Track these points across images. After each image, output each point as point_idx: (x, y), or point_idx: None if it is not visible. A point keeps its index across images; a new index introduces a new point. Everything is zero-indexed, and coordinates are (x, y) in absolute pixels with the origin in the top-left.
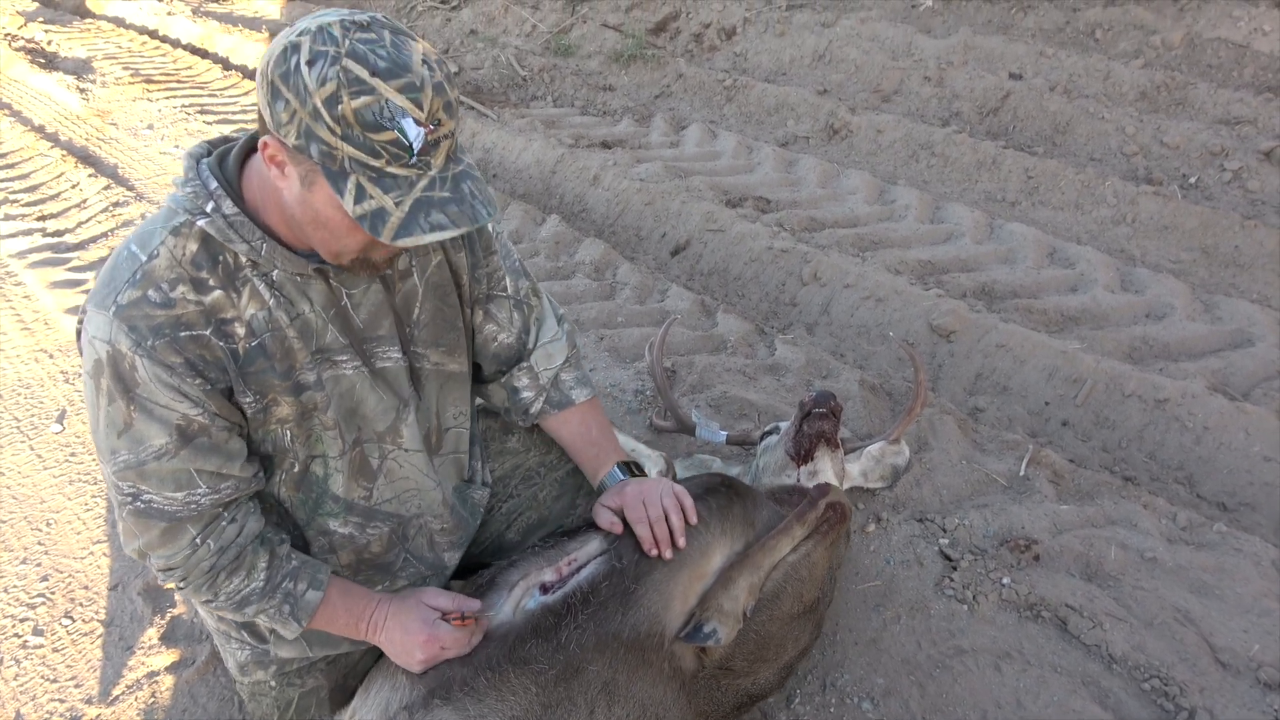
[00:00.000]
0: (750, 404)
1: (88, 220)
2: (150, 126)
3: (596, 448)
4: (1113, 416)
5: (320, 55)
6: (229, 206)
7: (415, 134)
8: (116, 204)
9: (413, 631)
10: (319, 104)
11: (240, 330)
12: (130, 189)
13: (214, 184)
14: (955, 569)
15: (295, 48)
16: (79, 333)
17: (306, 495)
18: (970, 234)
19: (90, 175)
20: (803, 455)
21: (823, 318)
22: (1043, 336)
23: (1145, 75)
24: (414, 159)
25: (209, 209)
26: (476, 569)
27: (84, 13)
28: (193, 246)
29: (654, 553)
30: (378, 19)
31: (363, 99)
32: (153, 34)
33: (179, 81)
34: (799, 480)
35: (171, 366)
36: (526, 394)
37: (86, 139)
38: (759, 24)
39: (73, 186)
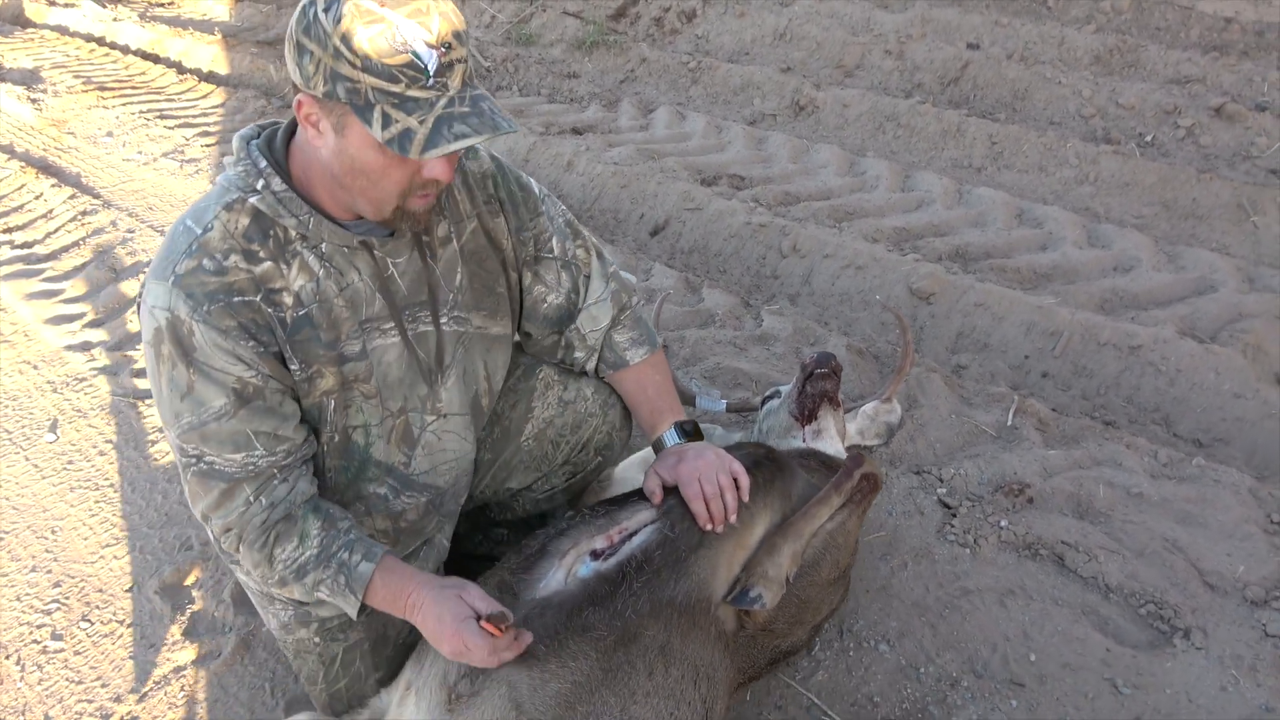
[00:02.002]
0: (744, 373)
1: (56, 230)
2: (110, 134)
3: (651, 406)
4: (1090, 365)
5: (334, 1)
6: (278, 184)
7: (429, 55)
8: (85, 213)
9: (445, 623)
10: (338, 43)
11: (288, 300)
12: (97, 197)
13: (263, 163)
14: (955, 516)
15: (312, 2)
16: (138, 306)
17: (348, 463)
18: (941, 200)
19: (53, 185)
20: (807, 415)
21: (805, 288)
22: (1018, 294)
23: (1098, 40)
24: (430, 80)
25: (259, 186)
26: (481, 510)
27: (24, 22)
28: (245, 221)
29: (708, 528)
30: None
31: (375, 28)
32: (99, 41)
33: (133, 88)
34: (805, 440)
35: (226, 330)
36: (579, 354)
37: (45, 149)
38: (718, 5)
39: (36, 198)
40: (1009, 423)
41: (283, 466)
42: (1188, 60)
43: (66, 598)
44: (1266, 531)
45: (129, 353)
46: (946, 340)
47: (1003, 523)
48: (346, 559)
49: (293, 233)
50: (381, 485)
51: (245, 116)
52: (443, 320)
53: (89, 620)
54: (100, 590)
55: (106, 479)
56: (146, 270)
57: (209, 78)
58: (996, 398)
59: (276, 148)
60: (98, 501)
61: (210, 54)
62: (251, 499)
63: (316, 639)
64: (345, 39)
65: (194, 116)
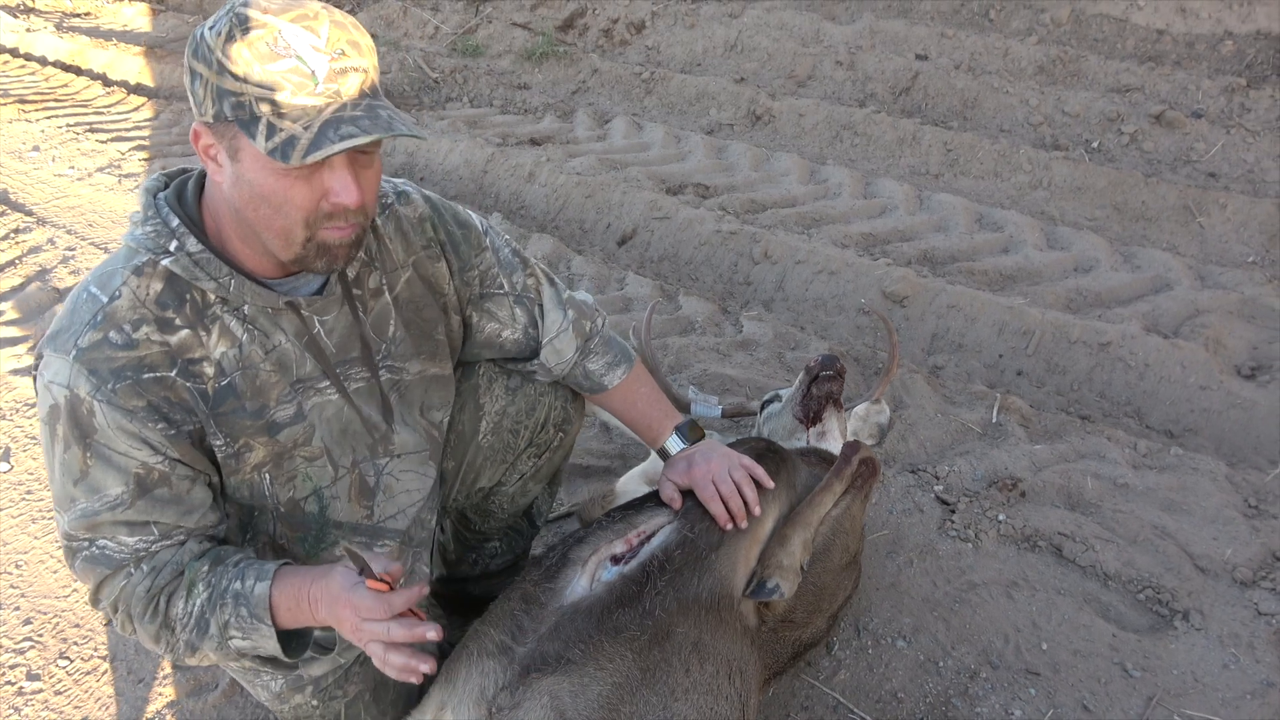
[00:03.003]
0: (731, 379)
1: None
2: (36, 148)
3: (647, 419)
4: (1062, 362)
5: (219, 17)
6: (193, 244)
7: (317, 60)
8: (17, 230)
9: (335, 598)
10: (220, 55)
11: (209, 370)
12: (29, 214)
13: (175, 221)
14: (954, 512)
15: (201, 23)
16: (34, 378)
17: (305, 533)
18: (903, 206)
19: None
20: (812, 417)
21: (778, 294)
22: (989, 295)
23: (1040, 51)
24: (320, 85)
25: (173, 248)
26: (463, 525)
27: None
28: (157, 286)
29: (729, 527)
30: None
31: (256, 32)
32: (13, 52)
33: (56, 100)
34: (809, 442)
35: (133, 411)
36: (541, 380)
37: None
38: (667, 17)
39: None
40: (994, 419)
41: (178, 545)
42: (1126, 70)
43: (40, 635)
44: (1246, 515)
45: None
46: (922, 342)
47: (1000, 516)
48: (240, 588)
49: (211, 296)
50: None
51: (182, 129)
52: (381, 373)
53: (67, 657)
54: (76, 626)
55: None
56: (42, 336)
57: (138, 90)
58: (979, 395)
59: (188, 202)
60: None
61: (138, 65)
62: (132, 570)
63: (314, 702)
64: (226, 50)
65: (127, 130)
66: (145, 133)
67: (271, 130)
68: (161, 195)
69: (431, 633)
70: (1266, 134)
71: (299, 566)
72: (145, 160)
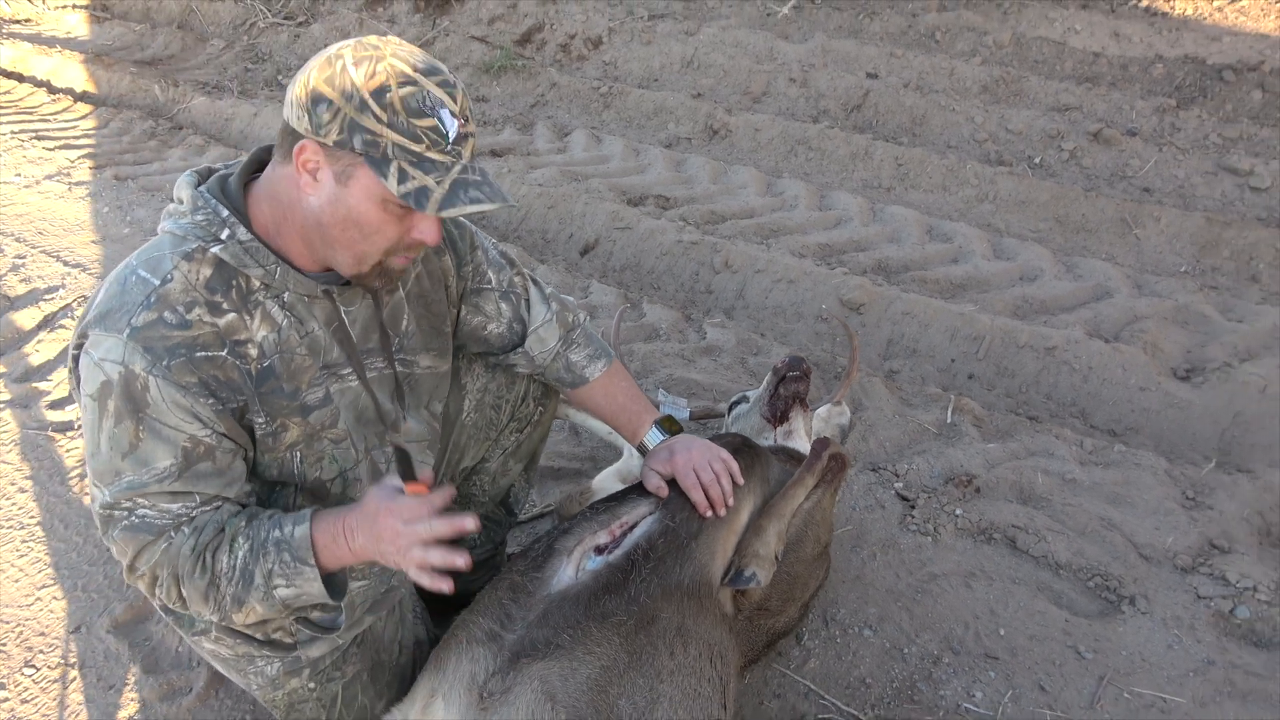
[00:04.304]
0: (696, 383)
1: None
2: None
3: (627, 413)
4: (1011, 366)
5: (365, 58)
6: (243, 233)
7: (451, 124)
8: None
9: (372, 512)
10: (366, 96)
11: (253, 351)
12: None
13: (224, 212)
14: (913, 507)
15: (338, 56)
16: (76, 358)
17: None
18: (857, 218)
19: None
20: (779, 416)
21: (739, 302)
22: (941, 303)
23: (984, 71)
24: (449, 146)
25: (224, 236)
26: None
27: None
28: (206, 271)
29: (709, 514)
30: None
31: (408, 89)
32: None
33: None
34: (776, 441)
35: (186, 386)
36: (521, 370)
37: None
38: (624, 33)
39: None
40: (949, 420)
41: (214, 509)
42: (1065, 90)
43: (2, 644)
44: (1184, 506)
45: (37, 385)
46: (878, 347)
47: (957, 511)
48: (280, 535)
49: (256, 282)
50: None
51: (133, 138)
52: (396, 363)
53: (33, 665)
54: (42, 634)
55: (32, 516)
56: (84, 318)
57: (84, 97)
58: (933, 398)
59: (232, 194)
60: (25, 541)
61: (84, 73)
62: (173, 534)
63: (311, 684)
64: (376, 94)
65: (75, 138)
66: (94, 140)
67: (404, 176)
68: (203, 188)
69: (470, 522)
70: (1195, 151)
71: (329, 510)
72: (97, 169)
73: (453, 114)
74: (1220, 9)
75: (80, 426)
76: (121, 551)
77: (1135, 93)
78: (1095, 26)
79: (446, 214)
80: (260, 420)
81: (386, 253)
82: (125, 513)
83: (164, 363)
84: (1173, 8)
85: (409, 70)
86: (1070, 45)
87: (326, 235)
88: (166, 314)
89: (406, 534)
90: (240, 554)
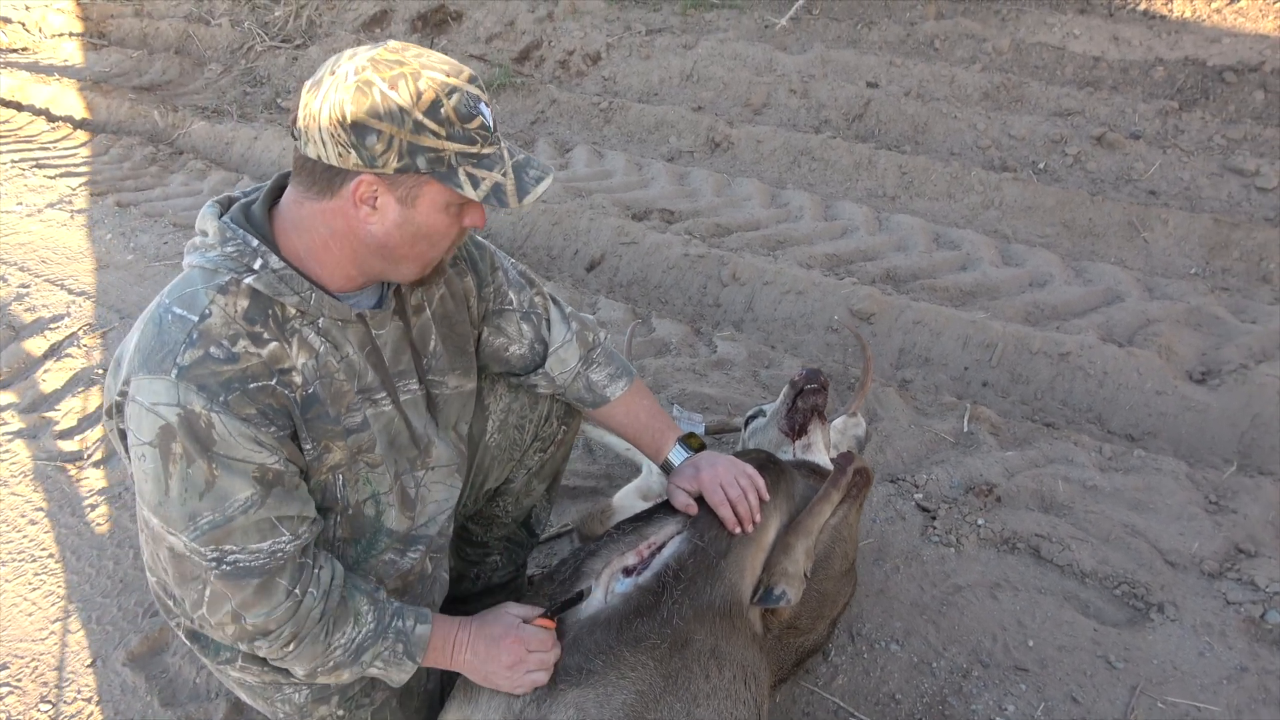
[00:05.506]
0: (710, 398)
1: None
2: None
3: (650, 431)
4: (1025, 373)
5: (399, 77)
6: (276, 261)
7: (489, 114)
8: None
9: (497, 636)
10: (420, 117)
11: (297, 379)
12: None
13: (254, 241)
14: (935, 518)
15: (368, 84)
16: (119, 405)
17: (359, 536)
18: (863, 227)
19: None
20: (798, 430)
21: (748, 314)
22: (951, 310)
23: (985, 78)
24: (493, 134)
25: (257, 266)
26: (463, 539)
27: None
28: (243, 303)
29: (737, 531)
30: (391, 41)
31: (455, 97)
32: None
33: None
34: (795, 455)
35: (248, 418)
36: (542, 390)
37: None
38: (622, 49)
39: None
40: (965, 429)
41: (304, 548)
42: (1066, 95)
43: (18, 680)
44: (1208, 511)
45: (46, 414)
46: (890, 356)
47: (979, 521)
48: (402, 627)
49: (291, 310)
50: (389, 551)
51: (134, 164)
52: (428, 384)
53: (49, 701)
54: (56, 669)
55: (44, 549)
56: (119, 362)
57: (84, 125)
58: (949, 406)
59: (258, 222)
60: (37, 574)
61: (82, 100)
62: (299, 593)
63: (340, 712)
64: (431, 111)
65: (75, 165)
66: (95, 167)
67: (474, 180)
68: (226, 218)
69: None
70: (1199, 153)
71: (443, 615)
72: (97, 195)
73: (485, 104)
74: (1218, 10)
75: (132, 474)
76: (217, 598)
77: (1137, 96)
78: (1094, 31)
79: (527, 202)
80: (308, 445)
81: (448, 251)
82: (214, 562)
83: (221, 398)
84: (1171, 10)
85: (445, 78)
86: (1070, 50)
87: (392, 255)
88: (213, 349)
89: (530, 661)
90: (363, 631)
